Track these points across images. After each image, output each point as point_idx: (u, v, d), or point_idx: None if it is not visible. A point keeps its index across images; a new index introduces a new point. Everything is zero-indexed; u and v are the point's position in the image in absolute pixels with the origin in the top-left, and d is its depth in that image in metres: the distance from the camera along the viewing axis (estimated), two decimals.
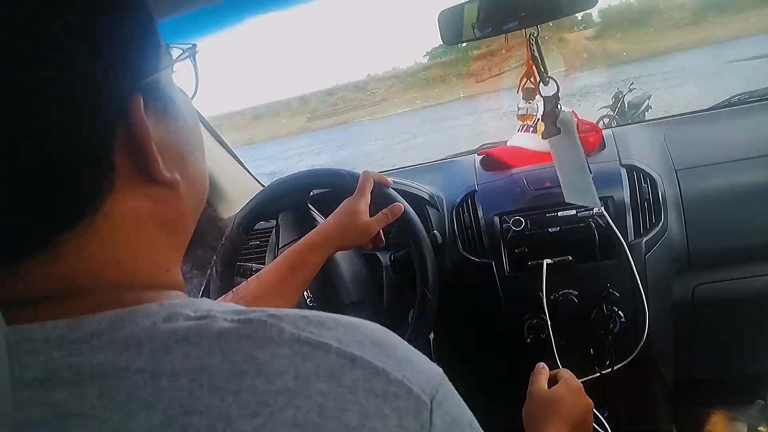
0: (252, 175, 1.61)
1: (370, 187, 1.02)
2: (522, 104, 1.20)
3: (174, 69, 0.42)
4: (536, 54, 1.10)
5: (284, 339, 0.33)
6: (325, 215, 1.06)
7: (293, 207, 1.20)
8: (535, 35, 1.09)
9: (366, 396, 0.32)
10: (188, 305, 0.36)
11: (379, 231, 1.01)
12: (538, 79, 1.11)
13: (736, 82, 10.41)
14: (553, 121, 1.15)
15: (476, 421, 0.38)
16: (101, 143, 0.34)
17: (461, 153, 1.66)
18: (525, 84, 1.14)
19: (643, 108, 9.15)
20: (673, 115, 1.48)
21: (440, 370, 0.37)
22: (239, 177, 1.55)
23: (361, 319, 0.38)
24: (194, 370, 0.31)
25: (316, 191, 1.23)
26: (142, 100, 0.36)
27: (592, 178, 1.12)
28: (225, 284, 1.13)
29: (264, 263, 1.28)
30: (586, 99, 15.66)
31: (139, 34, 0.37)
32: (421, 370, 0.36)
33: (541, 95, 1.13)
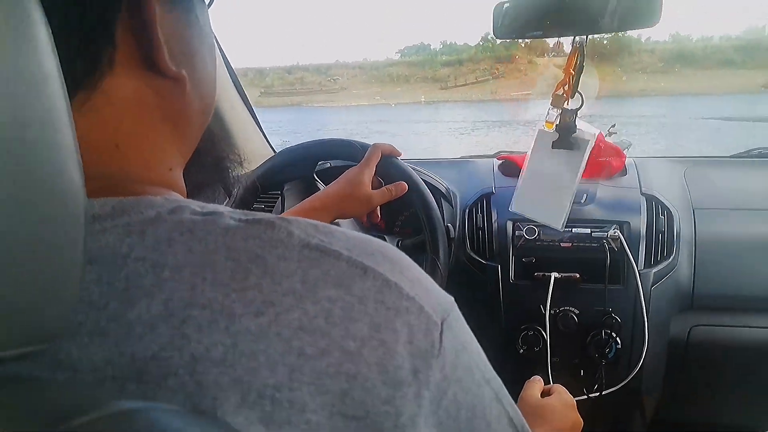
0: (267, 139, 1.56)
1: (376, 160, 1.01)
2: (551, 110, 1.21)
3: None
4: (578, 66, 1.11)
5: (293, 243, 0.32)
6: None
7: (300, 177, 1.17)
8: (584, 44, 1.09)
9: (377, 307, 0.31)
10: (194, 202, 0.35)
11: (377, 205, 1.00)
12: (569, 89, 1.13)
13: (700, 139, 11.08)
14: (567, 134, 1.17)
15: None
16: (103, 12, 0.33)
17: (478, 155, 1.65)
18: (557, 91, 1.15)
19: None
20: (693, 156, 1.53)
21: (451, 297, 0.37)
22: (254, 139, 1.50)
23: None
24: (198, 264, 0.30)
25: (327, 162, 1.21)
26: None
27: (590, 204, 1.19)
28: None
29: None
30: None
31: None
32: (433, 292, 0.35)
33: (563, 106, 1.14)
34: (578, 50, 1.09)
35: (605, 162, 1.35)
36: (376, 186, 1.00)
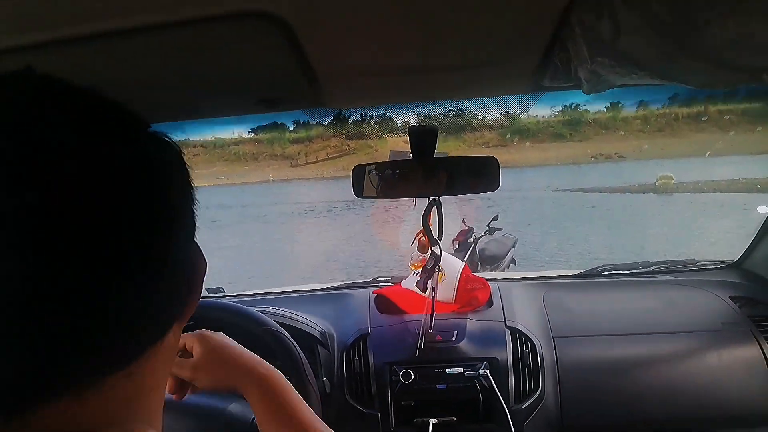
0: None
1: None
2: (415, 254, 1.38)
3: None
4: (434, 220, 1.28)
5: None
6: None
7: None
8: (437, 202, 1.27)
9: None
10: None
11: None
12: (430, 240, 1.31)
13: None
14: (427, 278, 1.34)
15: None
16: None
17: (355, 283, 1.75)
18: (421, 238, 1.34)
19: (506, 261, 6.54)
20: (548, 278, 1.77)
21: None
22: None
23: None
24: None
25: None
26: None
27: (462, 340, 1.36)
28: None
29: None
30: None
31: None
32: None
33: (431, 251, 1.33)
34: (435, 206, 1.27)
35: (471, 293, 1.53)
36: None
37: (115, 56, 0.73)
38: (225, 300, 1.26)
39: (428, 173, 1.22)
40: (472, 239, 6.54)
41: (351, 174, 1.26)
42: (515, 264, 6.75)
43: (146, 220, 0.38)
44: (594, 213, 14.04)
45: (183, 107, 1.03)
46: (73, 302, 0.34)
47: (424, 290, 1.37)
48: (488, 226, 6.75)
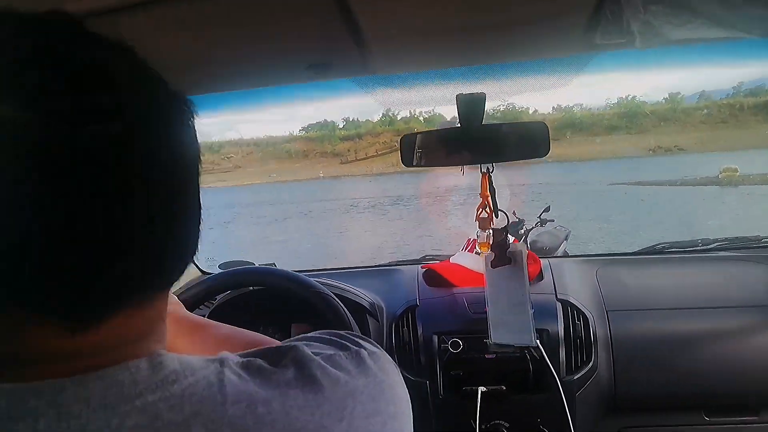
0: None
1: None
2: (480, 233, 1.36)
3: None
4: (490, 189, 1.28)
5: None
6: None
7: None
8: (491, 170, 1.27)
9: None
10: None
11: None
12: (491, 210, 1.29)
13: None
14: (502, 251, 1.32)
15: None
16: None
17: (404, 261, 1.76)
18: (480, 214, 1.31)
19: (559, 254, 5.62)
20: (604, 255, 1.73)
21: None
22: None
23: None
24: None
25: None
26: None
27: (533, 313, 1.28)
28: None
29: None
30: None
31: None
32: None
33: (491, 226, 1.31)
34: (487, 176, 1.27)
35: None
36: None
37: (165, 26, 0.77)
38: None
39: (476, 140, 1.22)
40: (522, 231, 6.12)
41: (399, 143, 1.28)
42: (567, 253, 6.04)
43: (197, 169, 0.44)
44: (646, 207, 13.62)
45: (234, 76, 1.07)
46: (156, 229, 0.39)
47: (509, 263, 1.32)
48: (539, 217, 6.39)
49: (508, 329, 1.30)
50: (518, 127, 1.25)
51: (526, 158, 1.23)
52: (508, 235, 1.31)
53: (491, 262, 1.32)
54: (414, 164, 1.27)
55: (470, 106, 1.20)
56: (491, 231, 1.30)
